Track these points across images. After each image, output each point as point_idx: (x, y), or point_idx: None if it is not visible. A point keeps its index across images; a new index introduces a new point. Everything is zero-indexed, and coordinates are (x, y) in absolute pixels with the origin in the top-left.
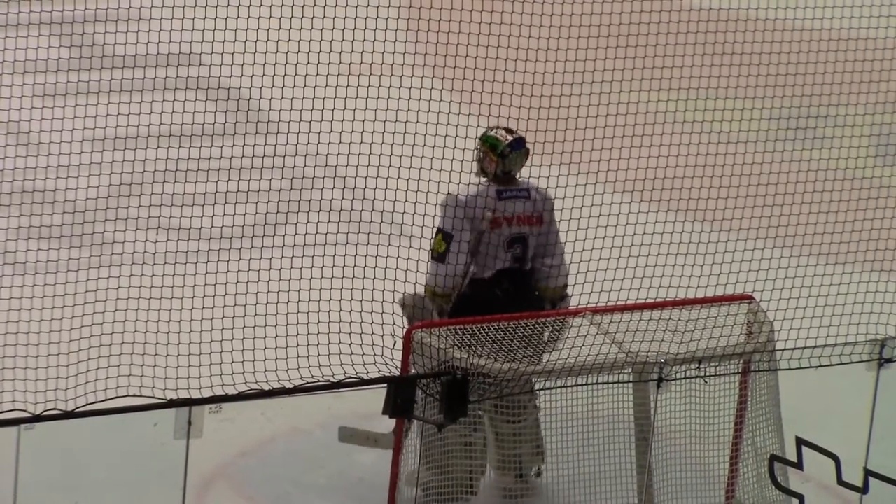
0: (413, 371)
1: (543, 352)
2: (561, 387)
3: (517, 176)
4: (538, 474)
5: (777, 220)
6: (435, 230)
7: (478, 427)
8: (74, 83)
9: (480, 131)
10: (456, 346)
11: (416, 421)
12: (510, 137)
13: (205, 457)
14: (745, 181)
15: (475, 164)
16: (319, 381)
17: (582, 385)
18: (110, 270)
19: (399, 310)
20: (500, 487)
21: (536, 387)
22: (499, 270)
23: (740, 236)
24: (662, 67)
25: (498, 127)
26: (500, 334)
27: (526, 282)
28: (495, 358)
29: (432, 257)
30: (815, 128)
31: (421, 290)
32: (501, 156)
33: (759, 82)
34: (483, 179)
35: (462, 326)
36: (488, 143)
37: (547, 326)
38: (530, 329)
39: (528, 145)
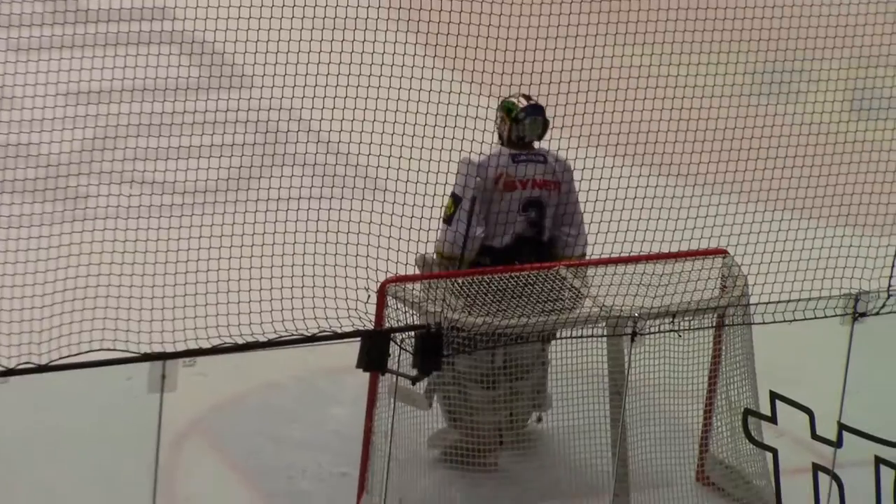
0: (387, 325)
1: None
2: (535, 342)
3: (535, 145)
4: (539, 420)
5: (751, 175)
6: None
7: (497, 382)
8: (48, 37)
9: (455, 86)
10: (430, 300)
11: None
12: (525, 102)
13: (179, 411)
14: (719, 136)
15: (495, 131)
16: (293, 334)
17: (556, 339)
18: (84, 225)
19: (372, 263)
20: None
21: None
22: (517, 241)
23: (715, 191)
24: (637, 22)
25: (519, 94)
26: (474, 288)
27: (545, 253)
28: (469, 311)
29: (443, 218)
30: (789, 82)
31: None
32: (515, 120)
33: (733, 36)
34: (499, 145)
35: (437, 280)
36: (505, 108)
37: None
38: (505, 283)
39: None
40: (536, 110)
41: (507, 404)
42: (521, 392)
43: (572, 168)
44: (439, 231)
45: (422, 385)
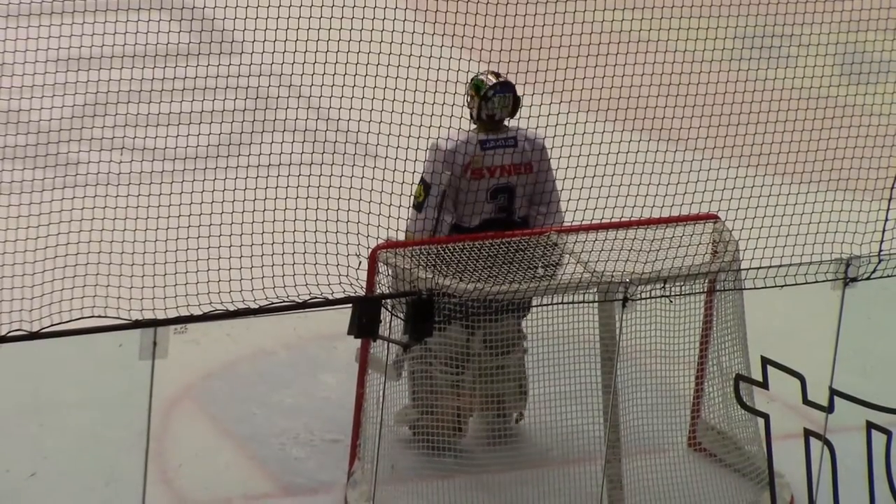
0: (378, 291)
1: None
2: (526, 307)
3: (506, 123)
4: (519, 419)
5: (742, 140)
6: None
7: (467, 366)
8: (38, 3)
9: (444, 51)
10: (421, 266)
11: (403, 359)
12: (494, 80)
13: (170, 378)
14: (709, 101)
15: (466, 109)
16: (285, 301)
17: (547, 305)
18: (75, 191)
19: (363, 229)
20: (481, 428)
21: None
22: (485, 223)
23: (705, 156)
24: None
25: (488, 72)
26: (466, 254)
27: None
28: (460, 278)
29: (413, 204)
30: (779, 47)
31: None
32: (484, 98)
33: (723, 0)
34: (472, 127)
35: (428, 247)
36: (473, 85)
37: (539, 258)
38: (496, 249)
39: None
40: (506, 87)
41: (483, 387)
42: (504, 375)
43: (546, 146)
44: (409, 218)
45: (392, 355)
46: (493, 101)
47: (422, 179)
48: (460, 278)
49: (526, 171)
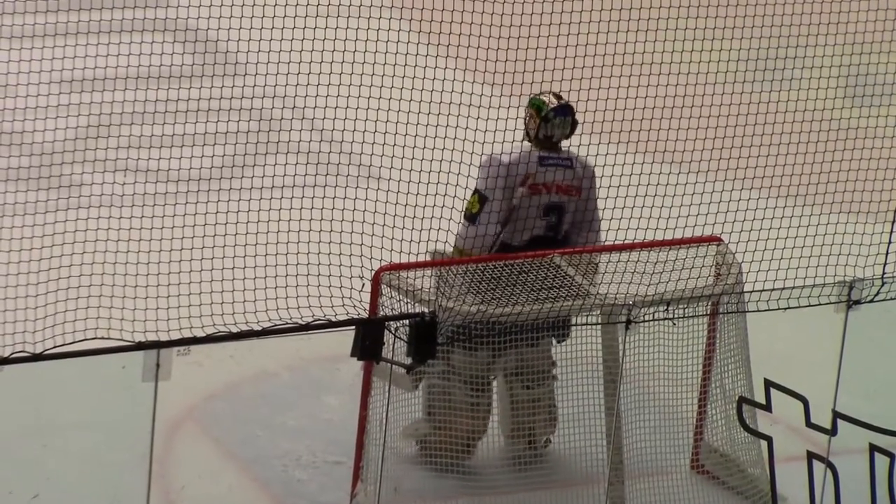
0: (381, 313)
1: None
2: (532, 329)
3: (560, 144)
4: (547, 443)
5: (745, 162)
6: (473, 190)
7: (486, 389)
8: (42, 25)
9: (449, 73)
10: (425, 289)
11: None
12: (556, 102)
13: (173, 399)
14: (713, 122)
15: (523, 128)
16: (288, 323)
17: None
18: (79, 213)
19: (367, 251)
20: (509, 455)
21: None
22: (533, 240)
23: (709, 178)
24: (631, 8)
25: (549, 92)
26: (469, 276)
27: None
28: (464, 300)
29: (465, 216)
30: (783, 69)
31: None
32: (545, 119)
33: (728, 23)
34: (526, 144)
35: (432, 269)
36: (534, 105)
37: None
38: (500, 271)
39: (576, 116)
40: (566, 110)
41: (487, 414)
42: (538, 403)
43: (596, 174)
44: (461, 227)
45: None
46: (554, 122)
47: (476, 190)
48: (464, 300)
49: (576, 194)
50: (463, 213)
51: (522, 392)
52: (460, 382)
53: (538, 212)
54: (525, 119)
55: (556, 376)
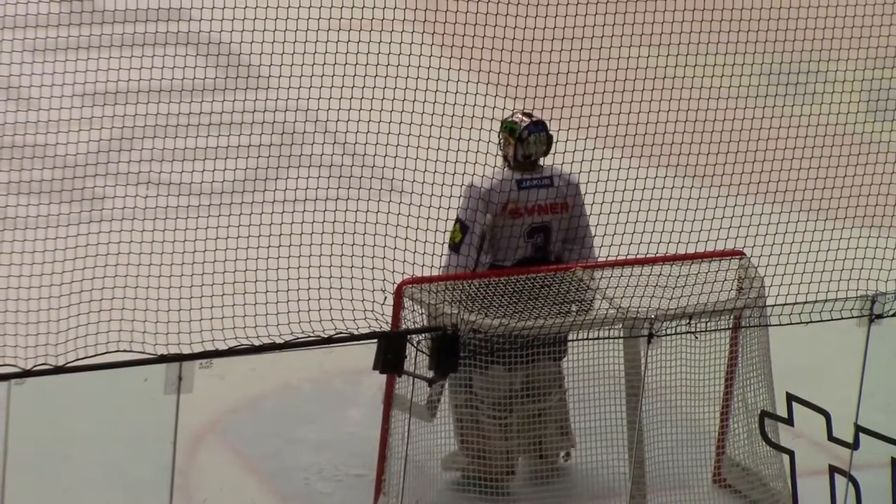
0: (404, 326)
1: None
2: (552, 343)
3: (541, 162)
4: (566, 458)
5: (768, 176)
6: (455, 219)
7: (513, 408)
8: (65, 38)
9: (471, 87)
10: (447, 302)
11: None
12: (528, 120)
13: (195, 412)
14: (736, 137)
15: (499, 153)
16: (310, 336)
17: (573, 341)
18: (101, 226)
19: (389, 265)
20: (529, 469)
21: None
22: (521, 262)
23: (731, 192)
24: (654, 23)
25: (516, 111)
26: (492, 290)
27: None
28: (486, 313)
29: (449, 246)
30: (807, 83)
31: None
32: (520, 139)
33: (750, 38)
34: (506, 168)
35: (454, 282)
36: (507, 128)
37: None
38: (522, 285)
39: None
40: (539, 127)
41: (526, 431)
42: (545, 417)
43: (580, 186)
44: (445, 257)
45: (425, 395)
46: (529, 141)
47: (457, 219)
48: (486, 314)
49: (562, 211)
50: (447, 243)
51: (529, 405)
52: (485, 406)
53: (522, 234)
54: (500, 144)
55: (566, 389)
